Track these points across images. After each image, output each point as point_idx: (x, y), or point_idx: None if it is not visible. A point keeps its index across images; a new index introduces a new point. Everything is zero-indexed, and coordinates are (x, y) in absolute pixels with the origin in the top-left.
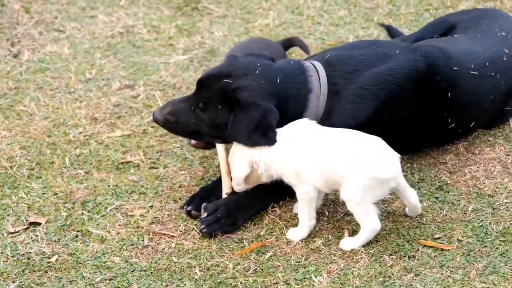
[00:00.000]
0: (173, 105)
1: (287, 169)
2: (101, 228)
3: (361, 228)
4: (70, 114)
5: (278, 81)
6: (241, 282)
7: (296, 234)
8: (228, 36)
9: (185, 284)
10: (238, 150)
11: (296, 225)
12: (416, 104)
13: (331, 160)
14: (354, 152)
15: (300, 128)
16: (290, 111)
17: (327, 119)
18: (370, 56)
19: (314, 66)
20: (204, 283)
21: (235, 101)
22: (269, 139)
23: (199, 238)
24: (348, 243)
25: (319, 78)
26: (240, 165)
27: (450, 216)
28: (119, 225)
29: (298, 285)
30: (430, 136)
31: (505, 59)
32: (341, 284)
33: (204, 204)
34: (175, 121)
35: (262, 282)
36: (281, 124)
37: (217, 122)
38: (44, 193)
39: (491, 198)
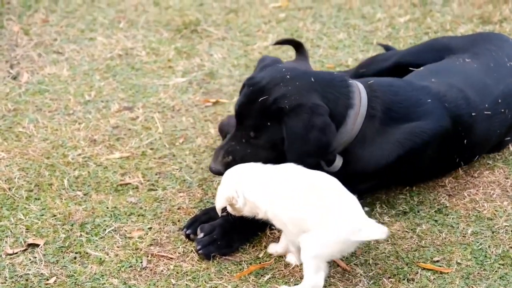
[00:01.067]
0: (222, 148)
1: (265, 206)
2: (100, 250)
3: (304, 280)
4: (69, 136)
5: (314, 81)
6: None
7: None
8: (227, 58)
9: None
10: (225, 180)
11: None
12: (435, 153)
13: (303, 209)
14: (329, 207)
15: (286, 171)
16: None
17: (356, 145)
18: (407, 99)
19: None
20: None
21: (280, 112)
22: (329, 133)
23: (197, 260)
24: None
25: (361, 98)
26: (219, 196)
27: (449, 239)
28: (118, 247)
29: None
30: (435, 171)
31: None
32: None
33: (201, 225)
34: (233, 159)
35: None
36: None
37: (274, 140)
38: (43, 215)
39: (490, 221)
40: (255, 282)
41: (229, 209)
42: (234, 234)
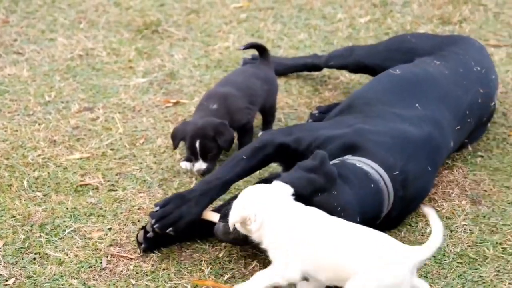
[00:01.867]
0: None
1: (284, 245)
2: (59, 250)
3: None
4: (29, 137)
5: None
6: None
7: None
8: (188, 59)
9: None
10: (246, 197)
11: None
12: None
13: (339, 253)
14: (370, 248)
15: (314, 215)
16: None
17: None
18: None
19: (374, 169)
20: None
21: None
22: None
23: (157, 260)
24: None
25: (385, 182)
26: (235, 212)
27: (408, 238)
28: (77, 248)
29: None
30: None
31: (480, 100)
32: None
33: (156, 203)
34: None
35: None
36: None
37: None
38: (2, 216)
39: (449, 220)
40: (214, 282)
41: (237, 225)
42: (186, 207)
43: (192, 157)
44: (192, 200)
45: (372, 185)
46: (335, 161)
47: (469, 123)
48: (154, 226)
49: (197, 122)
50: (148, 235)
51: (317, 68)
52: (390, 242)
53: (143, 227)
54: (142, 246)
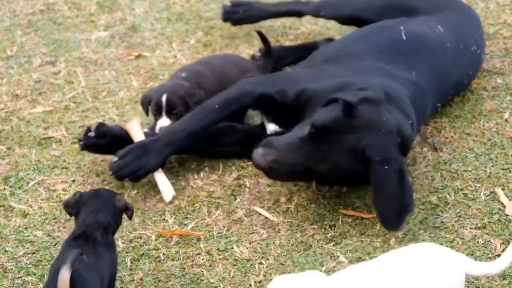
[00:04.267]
0: (279, 151)
1: None
2: (24, 203)
3: None
4: None
5: (398, 134)
6: (163, 253)
7: None
8: (149, 12)
9: None
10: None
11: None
12: None
13: None
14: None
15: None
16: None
17: None
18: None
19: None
20: (127, 255)
21: (368, 161)
22: (409, 192)
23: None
24: None
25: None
26: None
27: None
28: (42, 200)
29: (220, 255)
30: None
31: (465, 81)
32: (263, 254)
33: (117, 152)
34: (278, 168)
35: (185, 253)
36: None
37: (341, 174)
38: None
39: (410, 167)
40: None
41: None
42: (146, 157)
43: (156, 113)
44: (153, 151)
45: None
46: None
47: (447, 101)
48: (112, 176)
49: (166, 84)
50: (89, 134)
51: (300, 14)
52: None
53: (88, 127)
54: (81, 142)
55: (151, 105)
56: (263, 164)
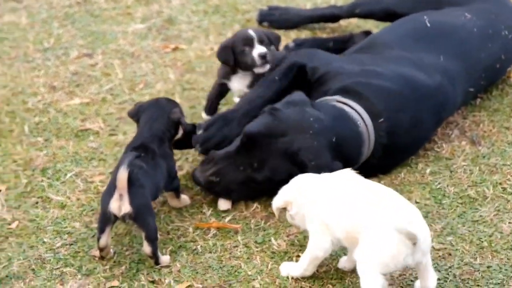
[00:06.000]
0: (217, 164)
1: (315, 217)
2: (61, 194)
3: None
4: (29, 83)
5: (335, 141)
6: (201, 246)
7: (286, 269)
8: (185, 4)
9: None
10: (293, 184)
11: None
12: None
13: (354, 213)
14: (387, 211)
15: (339, 179)
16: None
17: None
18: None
19: (358, 112)
20: (164, 247)
21: (301, 163)
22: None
23: (158, 202)
24: None
25: (367, 126)
26: (279, 196)
27: (408, 179)
28: (79, 191)
29: (258, 248)
30: None
31: (498, 66)
32: (300, 246)
33: (198, 123)
34: (218, 181)
35: (222, 246)
36: None
37: (277, 180)
38: (4, 161)
39: (448, 161)
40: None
41: (278, 211)
42: (228, 128)
43: (246, 47)
44: (234, 120)
45: (350, 124)
46: (322, 99)
47: (481, 86)
48: (198, 150)
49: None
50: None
51: (336, 18)
52: (409, 212)
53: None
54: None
55: (236, 45)
56: (201, 180)
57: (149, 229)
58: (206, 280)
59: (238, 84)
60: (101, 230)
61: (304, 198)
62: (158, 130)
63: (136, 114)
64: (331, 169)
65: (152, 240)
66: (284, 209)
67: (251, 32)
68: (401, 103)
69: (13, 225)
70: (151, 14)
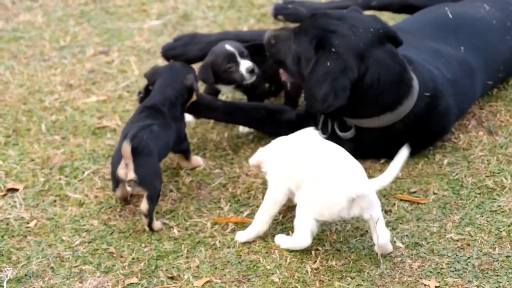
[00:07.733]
0: (279, 30)
1: (274, 170)
2: (79, 192)
3: (294, 235)
4: (45, 81)
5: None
6: (219, 241)
7: (242, 235)
8: (201, 0)
9: (163, 244)
10: (269, 145)
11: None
12: None
13: (303, 167)
14: (330, 166)
15: (301, 139)
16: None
17: None
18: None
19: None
20: (183, 243)
21: (323, 43)
22: (338, 98)
23: (176, 199)
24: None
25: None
26: (256, 154)
27: (425, 170)
28: (97, 189)
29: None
30: None
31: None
32: (319, 240)
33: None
34: (274, 44)
35: None
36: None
37: (300, 54)
38: (21, 160)
39: (466, 152)
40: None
41: (254, 167)
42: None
43: (232, 65)
44: (199, 44)
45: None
46: None
47: (499, 78)
48: (161, 53)
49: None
50: None
51: None
52: (352, 170)
53: None
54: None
55: (219, 64)
56: (265, 36)
57: (153, 190)
58: (225, 275)
59: (226, 89)
60: (115, 185)
61: (270, 157)
62: (171, 94)
63: (152, 76)
64: (345, 66)
65: (152, 199)
66: (259, 167)
67: (229, 48)
68: (430, 88)
69: (32, 224)
70: (166, 10)
